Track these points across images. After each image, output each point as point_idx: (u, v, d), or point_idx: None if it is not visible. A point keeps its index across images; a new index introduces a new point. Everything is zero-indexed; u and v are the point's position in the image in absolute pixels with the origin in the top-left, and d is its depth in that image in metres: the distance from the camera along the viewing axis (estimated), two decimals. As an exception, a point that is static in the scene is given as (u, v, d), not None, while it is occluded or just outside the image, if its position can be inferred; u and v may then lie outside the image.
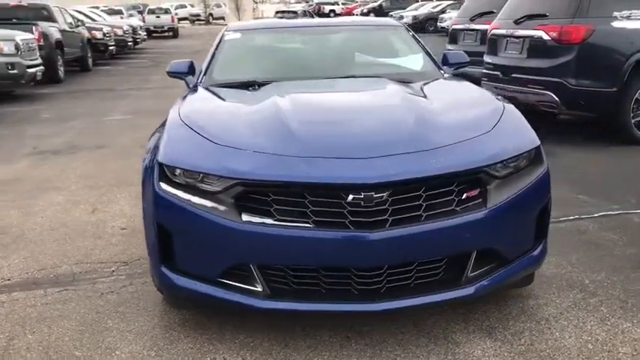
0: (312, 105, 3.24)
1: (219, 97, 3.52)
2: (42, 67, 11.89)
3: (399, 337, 2.80)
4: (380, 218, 2.47)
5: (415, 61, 4.21)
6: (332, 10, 52.80)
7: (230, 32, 4.45)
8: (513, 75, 6.83)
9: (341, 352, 2.69)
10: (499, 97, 3.31)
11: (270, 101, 3.12)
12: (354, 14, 50.95)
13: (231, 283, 2.63)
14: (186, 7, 43.94)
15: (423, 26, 27.30)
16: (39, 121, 9.20)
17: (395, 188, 2.49)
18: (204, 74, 4.02)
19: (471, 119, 2.96)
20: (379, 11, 29.74)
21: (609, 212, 4.38)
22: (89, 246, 4.02)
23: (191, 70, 4.22)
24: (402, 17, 32.10)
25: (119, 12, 33.34)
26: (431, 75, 4.01)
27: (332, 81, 3.83)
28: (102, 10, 31.69)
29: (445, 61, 4.36)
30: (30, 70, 11.20)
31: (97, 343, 2.82)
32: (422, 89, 3.50)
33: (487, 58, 7.41)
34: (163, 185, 2.68)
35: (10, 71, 10.74)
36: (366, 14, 38.65)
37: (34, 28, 12.99)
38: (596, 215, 4.34)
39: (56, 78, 13.89)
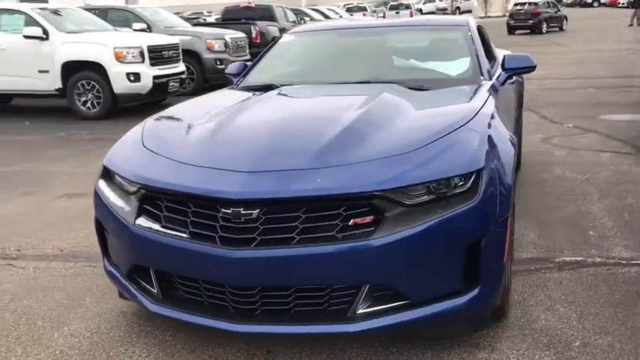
0: (262, 112, 3.16)
1: (215, 101, 3.62)
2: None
3: (300, 365, 2.63)
4: (248, 236, 2.35)
5: (457, 65, 3.78)
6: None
7: (286, 35, 4.50)
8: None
9: (231, 369, 2.64)
10: (478, 110, 2.84)
11: (234, 106, 3.14)
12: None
13: (139, 280, 2.75)
14: (434, 1, 43.93)
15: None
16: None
17: (269, 206, 2.35)
18: (243, 76, 4.15)
19: (409, 136, 2.60)
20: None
21: None
22: (143, 230, 4.46)
23: (241, 71, 4.36)
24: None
25: (363, 9, 34.86)
26: (465, 81, 3.57)
27: (337, 87, 3.65)
28: (347, 8, 33.47)
29: (502, 65, 3.82)
30: (236, 66, 12.49)
31: (59, 317, 3.17)
32: (417, 98, 3.17)
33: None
34: (100, 183, 2.91)
35: (218, 66, 12.13)
36: (632, 3, 34.42)
37: (252, 27, 14.41)
38: (683, 263, 3.43)
39: (271, 72, 15.24)
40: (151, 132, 3.00)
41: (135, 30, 11.66)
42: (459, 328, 2.66)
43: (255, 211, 2.34)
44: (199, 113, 3.18)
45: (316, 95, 3.53)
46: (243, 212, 2.34)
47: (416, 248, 2.31)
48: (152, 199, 2.61)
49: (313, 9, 24.15)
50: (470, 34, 3.99)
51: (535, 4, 28.04)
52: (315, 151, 2.51)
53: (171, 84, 10.18)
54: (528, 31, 27.94)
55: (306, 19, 20.21)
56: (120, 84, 9.49)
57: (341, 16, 26.10)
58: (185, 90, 11.02)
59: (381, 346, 2.72)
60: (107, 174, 2.93)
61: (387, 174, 2.35)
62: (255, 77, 4.07)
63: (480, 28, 4.70)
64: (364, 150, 2.50)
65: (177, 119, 3.21)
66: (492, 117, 2.89)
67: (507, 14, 31.68)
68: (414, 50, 4.09)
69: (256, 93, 3.64)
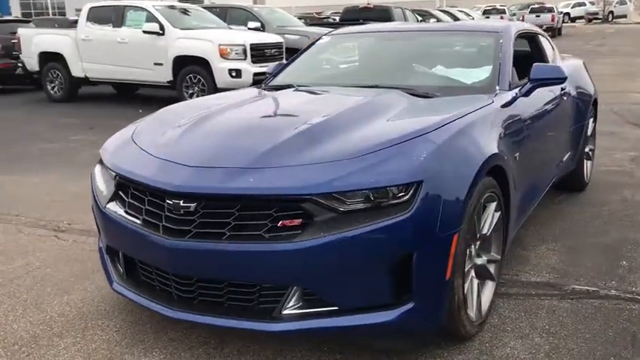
0: (245, 111, 3.22)
1: (222, 98, 3.74)
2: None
3: (248, 356, 2.69)
4: (185, 228, 2.46)
5: (477, 73, 3.59)
6: None
7: (324, 36, 4.52)
8: None
9: (177, 354, 2.75)
10: (452, 120, 2.72)
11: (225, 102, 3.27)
12: None
13: (114, 259, 2.96)
14: (584, 4, 41.11)
15: None
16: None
17: (207, 201, 2.44)
18: (274, 76, 4.25)
19: (361, 143, 2.55)
20: None
21: None
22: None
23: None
24: None
25: (502, 12, 33.50)
26: (478, 90, 3.42)
27: (342, 89, 3.62)
28: (485, 11, 32.37)
29: (528, 75, 3.59)
30: (342, 65, 12.65)
31: (66, 287, 3.49)
32: (408, 105, 3.10)
33: None
34: (96, 168, 3.17)
35: (324, 65, 12.35)
36: None
37: (366, 27, 14.47)
38: None
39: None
40: (144, 125, 3.20)
41: (250, 28, 12.21)
42: (407, 341, 2.58)
43: (193, 205, 2.44)
44: (199, 109, 3.33)
45: (311, 97, 3.54)
46: (182, 205, 2.45)
47: (338, 255, 2.28)
48: (123, 186, 2.80)
49: (443, 11, 23.69)
50: (501, 41, 3.77)
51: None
52: (261, 151, 2.55)
53: (271, 81, 10.54)
54: (685, 39, 25.34)
55: (432, 20, 19.89)
56: (222, 79, 10.02)
57: (473, 18, 25.35)
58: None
59: (330, 351, 2.70)
60: (101, 161, 3.17)
61: (319, 179, 2.34)
62: (282, 77, 4.16)
63: (535, 37, 4.44)
64: (310, 154, 2.50)
65: (175, 114, 3.37)
66: (470, 128, 2.75)
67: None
68: (437, 55, 3.94)
69: (272, 92, 3.73)
